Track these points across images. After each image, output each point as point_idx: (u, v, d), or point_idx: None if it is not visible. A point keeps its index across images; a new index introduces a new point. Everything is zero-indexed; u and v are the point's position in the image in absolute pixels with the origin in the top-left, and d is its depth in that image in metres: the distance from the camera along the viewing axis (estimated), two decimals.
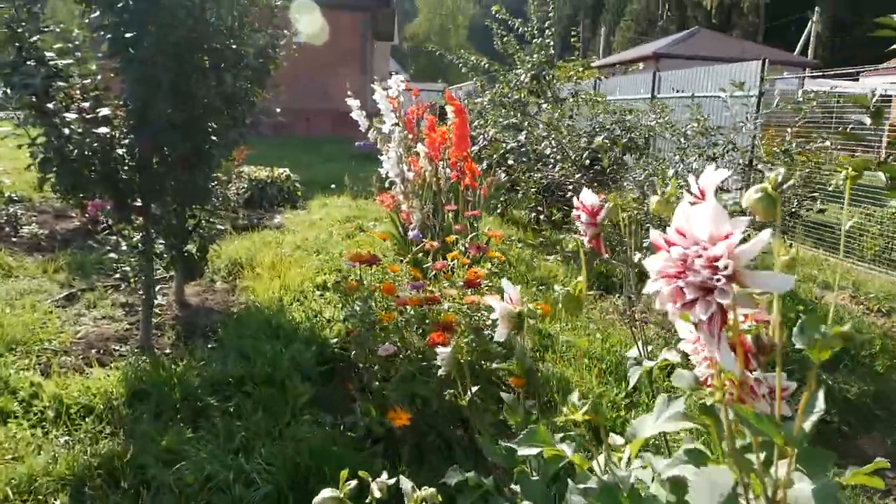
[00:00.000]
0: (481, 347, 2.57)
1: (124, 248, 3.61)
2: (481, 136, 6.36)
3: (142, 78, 3.09)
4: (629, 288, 4.04)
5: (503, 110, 6.76)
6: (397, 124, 4.45)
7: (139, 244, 3.48)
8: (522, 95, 6.68)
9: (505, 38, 7.00)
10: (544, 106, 6.69)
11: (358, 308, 2.85)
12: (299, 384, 2.93)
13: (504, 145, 4.40)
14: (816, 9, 31.83)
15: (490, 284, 2.95)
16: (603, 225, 1.30)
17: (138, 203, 3.42)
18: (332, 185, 8.62)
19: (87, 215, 6.03)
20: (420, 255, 4.66)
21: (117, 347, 3.61)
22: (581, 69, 6.82)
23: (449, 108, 4.47)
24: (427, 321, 2.70)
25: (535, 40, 6.71)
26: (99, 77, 3.34)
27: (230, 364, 3.16)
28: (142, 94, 3.11)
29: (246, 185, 7.89)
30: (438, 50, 7.51)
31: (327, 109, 17.84)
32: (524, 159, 4.32)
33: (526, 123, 5.57)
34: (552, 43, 6.71)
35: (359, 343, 2.84)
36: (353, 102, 5.12)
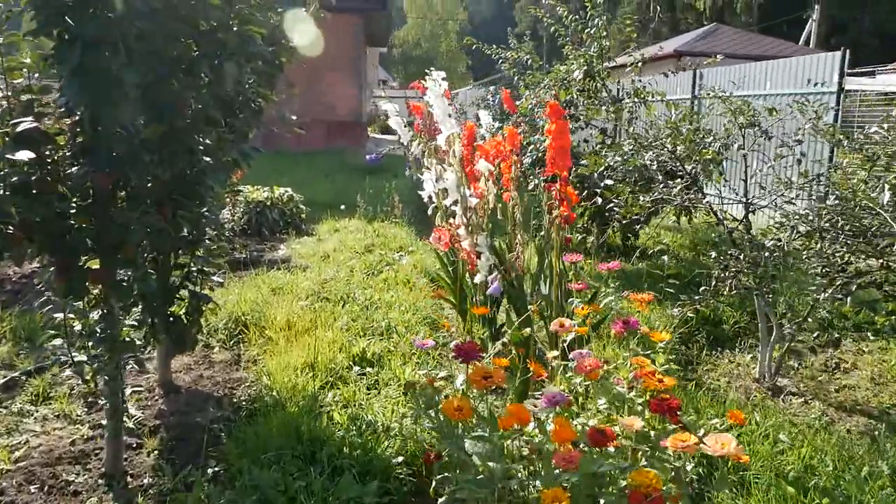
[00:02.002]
0: None
1: (79, 329, 2.42)
2: (531, 146, 5.21)
3: (92, 71, 1.90)
4: (766, 339, 2.85)
5: None
6: (459, 136, 3.28)
7: (98, 328, 2.29)
8: (574, 95, 5.55)
9: (554, 28, 5.85)
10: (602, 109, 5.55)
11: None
12: None
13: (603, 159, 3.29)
14: (816, 7, 31.13)
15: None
16: None
17: (95, 265, 2.22)
18: (342, 206, 7.43)
19: None
20: (493, 313, 3.48)
21: (72, 478, 2.41)
22: (638, 63, 5.69)
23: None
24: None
25: (586, 30, 5.60)
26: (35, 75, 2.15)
27: None
28: (93, 96, 1.92)
29: (242, 209, 6.69)
30: (475, 44, 6.34)
31: (321, 120, 16.64)
32: (629, 178, 3.25)
33: (631, 128, 4.44)
34: (606, 33, 5.60)
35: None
36: (390, 107, 3.95)
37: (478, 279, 3.33)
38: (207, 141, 2.64)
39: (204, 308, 3.17)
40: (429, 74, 3.76)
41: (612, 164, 3.34)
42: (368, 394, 2.91)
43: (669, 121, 3.18)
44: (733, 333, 4.03)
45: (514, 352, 2.30)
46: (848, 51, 6.40)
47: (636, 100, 5.78)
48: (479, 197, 3.49)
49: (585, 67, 5.54)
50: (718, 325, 4.10)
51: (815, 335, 3.45)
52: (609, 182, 3.43)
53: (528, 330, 2.34)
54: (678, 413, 1.64)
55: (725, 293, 2.92)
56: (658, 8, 48.75)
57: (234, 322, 3.79)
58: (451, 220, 3.56)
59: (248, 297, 4.08)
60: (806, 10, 31.38)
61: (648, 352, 2.20)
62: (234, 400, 3.03)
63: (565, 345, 2.30)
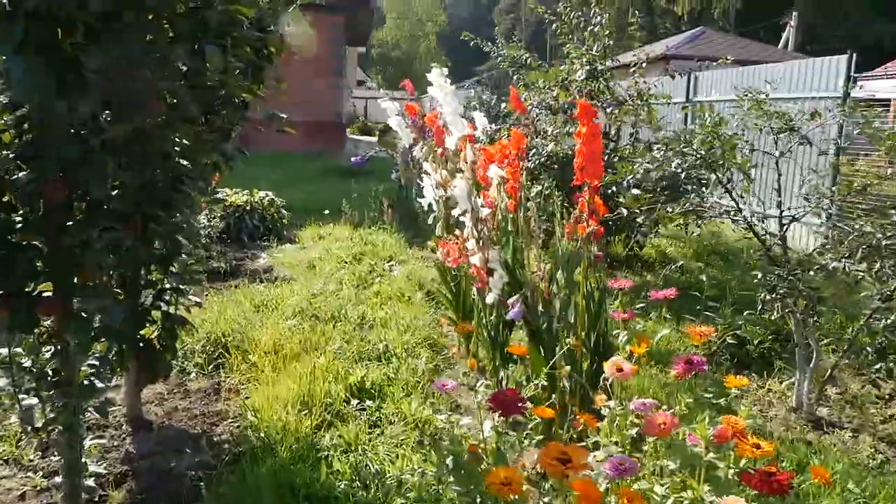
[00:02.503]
0: None
1: (29, 366, 2.01)
2: (533, 151, 4.87)
3: (41, 49, 1.51)
4: (804, 364, 2.54)
5: (552, 116, 5.29)
6: (476, 138, 2.92)
7: (51, 371, 1.89)
8: (575, 97, 5.23)
9: (556, 25, 5.51)
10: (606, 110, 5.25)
11: None
12: None
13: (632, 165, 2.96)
14: (794, 14, 31.37)
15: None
16: None
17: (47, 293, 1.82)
18: (326, 212, 7.02)
19: None
20: (503, 335, 3.12)
21: None
22: (642, 63, 5.38)
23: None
24: None
25: (589, 28, 5.27)
26: None
27: None
28: (42, 82, 1.52)
29: (220, 214, 6.26)
30: (472, 39, 5.96)
31: (300, 121, 16.15)
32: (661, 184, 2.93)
33: (636, 132, 4.14)
34: (610, 31, 5.28)
35: None
36: (391, 105, 3.58)
37: (490, 299, 2.97)
38: (185, 141, 2.25)
39: (179, 331, 2.79)
40: (435, 68, 3.41)
41: (641, 170, 3.01)
42: (371, 433, 2.53)
43: (705, 125, 2.86)
44: (758, 354, 3.72)
45: (549, 392, 1.95)
46: (854, 55, 6.15)
47: (639, 102, 5.49)
48: (490, 207, 3.14)
49: (588, 67, 5.22)
50: (742, 346, 3.79)
51: (864, 362, 3.15)
52: (636, 191, 3.10)
53: (567, 368, 1.99)
54: (789, 490, 1.29)
55: (772, 317, 2.61)
56: (637, 12, 48.98)
57: (213, 344, 3.39)
58: (458, 232, 3.21)
59: (228, 315, 3.67)
60: (783, 16, 31.64)
61: (710, 395, 1.87)
62: (215, 439, 2.64)
63: (608, 383, 1.95)
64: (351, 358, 3.23)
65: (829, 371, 2.96)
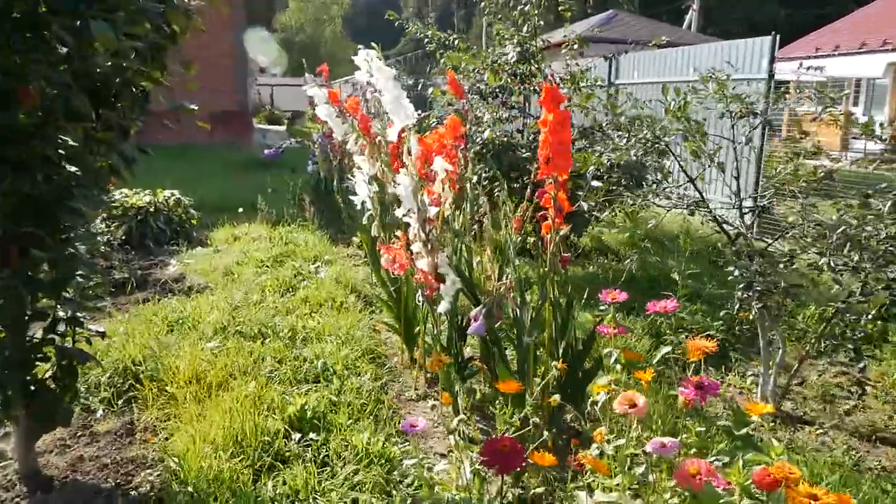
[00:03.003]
0: None
1: None
2: (468, 139, 4.57)
3: None
4: (768, 359, 2.41)
5: (482, 101, 5.01)
6: (422, 127, 2.59)
7: None
8: (505, 81, 4.97)
9: (483, 3, 5.21)
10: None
11: None
12: None
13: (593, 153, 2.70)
14: None
15: None
16: None
17: None
18: (240, 210, 6.49)
19: None
20: (457, 346, 2.83)
21: None
22: (575, 46, 5.18)
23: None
24: None
25: (518, 7, 5.01)
26: None
27: None
28: None
29: (120, 218, 5.64)
30: (397, 20, 5.53)
31: (203, 110, 15.17)
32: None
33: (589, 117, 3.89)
34: (539, 10, 5.04)
35: None
36: (318, 92, 3.19)
37: (442, 308, 2.67)
38: (71, 143, 1.82)
39: (79, 368, 2.35)
40: (362, 50, 3.05)
41: (605, 161, 2.77)
42: (321, 475, 2.17)
43: (668, 109, 2.64)
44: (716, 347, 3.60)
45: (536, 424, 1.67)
46: (778, 36, 6.19)
47: (571, 86, 5.30)
48: (436, 204, 2.82)
49: (519, 49, 4.96)
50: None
51: (830, 357, 3.06)
52: (597, 183, 2.86)
53: (556, 398, 1.71)
54: None
55: (746, 315, 2.44)
56: None
57: (122, 374, 2.92)
58: (399, 233, 2.87)
59: (138, 339, 3.20)
60: None
61: (727, 422, 1.64)
62: (132, 494, 2.21)
63: (596, 407, 1.70)
64: (286, 381, 2.86)
65: (798, 365, 2.84)
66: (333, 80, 18.52)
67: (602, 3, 46.52)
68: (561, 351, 2.39)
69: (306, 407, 2.51)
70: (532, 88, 5.04)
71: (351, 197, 3.38)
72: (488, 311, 2.21)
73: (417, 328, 3.02)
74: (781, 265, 2.50)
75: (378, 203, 3.17)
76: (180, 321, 3.52)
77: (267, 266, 4.89)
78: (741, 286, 2.41)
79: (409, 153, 2.51)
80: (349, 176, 5.91)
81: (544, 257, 2.28)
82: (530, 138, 4.96)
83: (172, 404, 2.69)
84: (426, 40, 5.42)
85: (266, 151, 7.50)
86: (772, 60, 6.15)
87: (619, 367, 1.79)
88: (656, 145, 2.93)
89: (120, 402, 2.80)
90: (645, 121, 2.77)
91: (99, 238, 4.96)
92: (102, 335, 2.40)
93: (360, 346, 3.33)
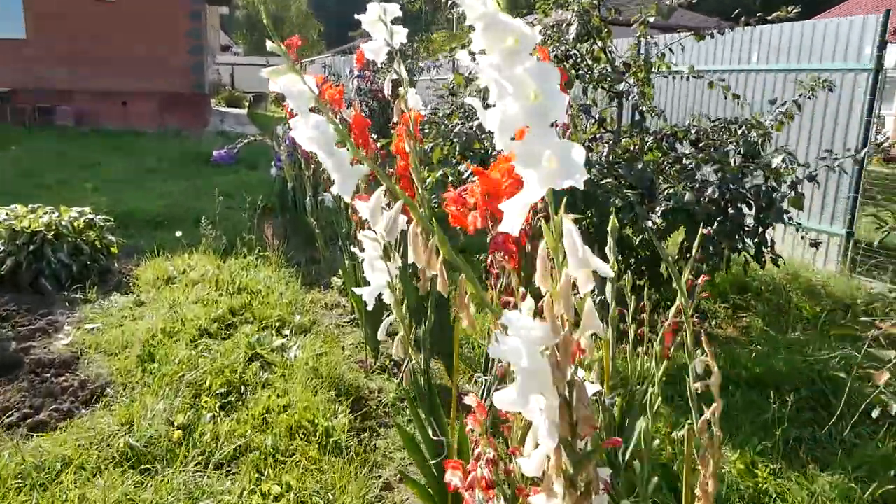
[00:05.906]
0: None
1: None
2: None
3: None
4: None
5: None
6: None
7: None
8: (579, 57, 3.47)
9: None
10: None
11: None
12: None
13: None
14: None
15: None
16: None
17: None
18: (178, 233, 4.84)
19: None
20: None
21: None
22: (647, 19, 3.70)
23: None
24: None
25: None
26: None
27: None
28: None
29: (5, 247, 3.96)
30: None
31: (151, 91, 13.27)
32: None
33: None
34: None
35: None
36: (289, 82, 1.60)
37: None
38: None
39: None
40: (374, 4, 1.53)
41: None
42: None
43: None
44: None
45: None
46: (890, 13, 4.73)
47: (641, 74, 3.82)
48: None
49: (579, 21, 3.44)
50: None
51: None
52: None
53: None
54: None
55: None
56: None
57: None
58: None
59: None
60: None
61: None
62: None
63: None
64: None
65: None
66: (306, 60, 16.69)
67: None
68: None
69: None
70: (601, 76, 3.52)
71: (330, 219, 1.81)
72: None
73: None
74: None
75: (406, 310, 1.63)
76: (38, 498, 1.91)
77: (207, 336, 3.29)
78: None
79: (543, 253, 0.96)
80: (326, 190, 4.37)
81: None
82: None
83: None
84: None
85: (216, 153, 5.85)
86: (882, 44, 4.69)
87: None
88: None
89: None
90: None
91: None
92: None
93: None
